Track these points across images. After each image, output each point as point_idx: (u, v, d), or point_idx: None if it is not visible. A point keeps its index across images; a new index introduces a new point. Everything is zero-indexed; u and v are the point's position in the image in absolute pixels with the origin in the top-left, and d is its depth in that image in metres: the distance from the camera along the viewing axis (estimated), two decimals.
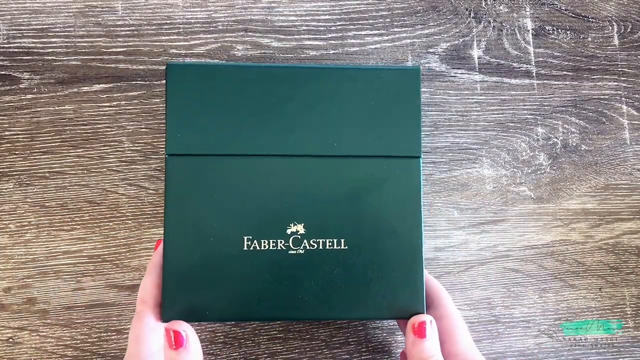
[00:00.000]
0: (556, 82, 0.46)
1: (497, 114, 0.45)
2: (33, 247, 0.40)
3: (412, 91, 0.33)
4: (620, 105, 0.46)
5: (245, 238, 0.32)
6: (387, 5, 0.45)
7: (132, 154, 0.42)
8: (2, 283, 0.40)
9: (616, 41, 0.47)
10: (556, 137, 0.45)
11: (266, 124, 0.33)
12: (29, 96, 0.42)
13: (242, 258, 0.32)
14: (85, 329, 0.40)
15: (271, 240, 0.32)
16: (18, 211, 0.41)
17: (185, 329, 0.30)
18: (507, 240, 0.43)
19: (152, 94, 0.42)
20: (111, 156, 0.42)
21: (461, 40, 0.45)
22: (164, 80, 0.42)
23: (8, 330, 0.40)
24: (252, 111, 0.33)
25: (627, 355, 0.43)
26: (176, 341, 0.30)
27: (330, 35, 0.44)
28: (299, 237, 0.32)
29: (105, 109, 0.42)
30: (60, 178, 0.41)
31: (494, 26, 0.46)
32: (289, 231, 0.32)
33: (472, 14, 0.46)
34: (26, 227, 0.40)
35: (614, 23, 0.47)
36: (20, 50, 0.42)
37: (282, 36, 0.44)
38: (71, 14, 0.43)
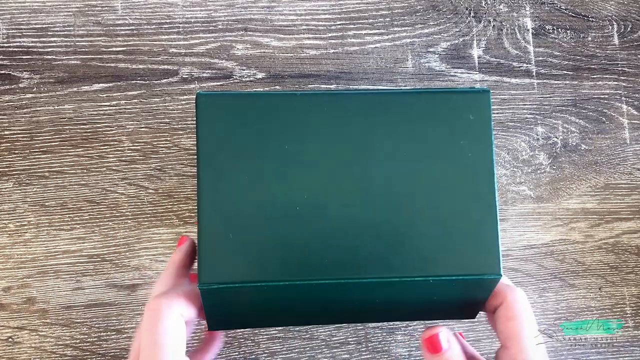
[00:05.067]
0: (556, 82, 0.46)
1: (497, 113, 0.45)
2: (32, 246, 0.40)
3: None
4: (620, 104, 0.46)
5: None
6: (387, 5, 0.45)
7: (132, 154, 0.42)
8: (2, 282, 0.40)
9: (616, 40, 0.47)
10: (556, 137, 0.45)
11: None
12: (28, 95, 0.42)
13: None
14: (84, 329, 0.40)
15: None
16: (17, 211, 0.41)
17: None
18: (506, 239, 0.43)
19: (151, 93, 0.42)
20: (111, 155, 0.41)
21: (461, 39, 0.45)
22: (162, 81, 0.42)
23: (7, 329, 0.39)
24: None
25: (627, 355, 0.43)
26: None
27: (330, 35, 0.44)
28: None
29: (104, 108, 0.42)
30: (59, 177, 0.41)
31: (494, 25, 0.46)
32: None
33: (472, 14, 0.46)
34: (25, 227, 0.40)
35: (614, 22, 0.47)
36: (20, 49, 0.42)
37: (282, 35, 0.44)
38: (71, 13, 0.43)
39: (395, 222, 0.29)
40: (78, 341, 0.40)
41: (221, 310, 0.30)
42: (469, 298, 0.30)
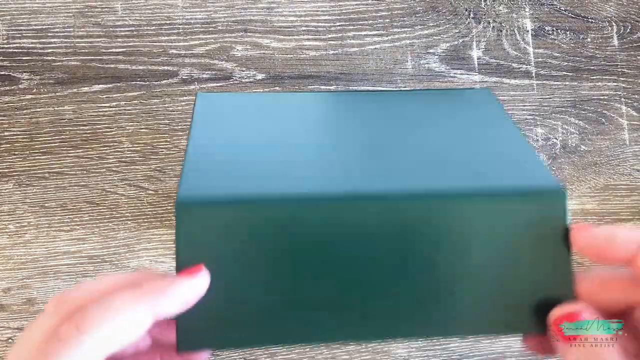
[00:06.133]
0: (556, 83, 0.46)
1: None
2: (32, 247, 0.40)
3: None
4: (619, 105, 0.46)
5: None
6: (387, 6, 0.45)
7: (132, 155, 0.42)
8: (2, 283, 0.40)
9: (615, 42, 0.47)
10: (555, 138, 0.45)
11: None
12: (28, 96, 0.42)
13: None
14: None
15: None
16: (17, 212, 0.41)
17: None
18: None
19: (151, 94, 0.42)
20: (111, 156, 0.42)
21: (461, 40, 0.45)
22: (162, 82, 0.42)
23: (8, 330, 0.40)
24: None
25: None
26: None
27: (329, 36, 0.44)
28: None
29: (104, 109, 0.42)
30: (59, 178, 0.41)
31: (493, 27, 0.46)
32: None
33: (471, 15, 0.46)
34: (25, 228, 0.40)
35: (614, 23, 0.47)
36: (20, 50, 0.42)
37: (282, 36, 0.44)
38: (71, 15, 0.43)
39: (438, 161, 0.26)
40: None
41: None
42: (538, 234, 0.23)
